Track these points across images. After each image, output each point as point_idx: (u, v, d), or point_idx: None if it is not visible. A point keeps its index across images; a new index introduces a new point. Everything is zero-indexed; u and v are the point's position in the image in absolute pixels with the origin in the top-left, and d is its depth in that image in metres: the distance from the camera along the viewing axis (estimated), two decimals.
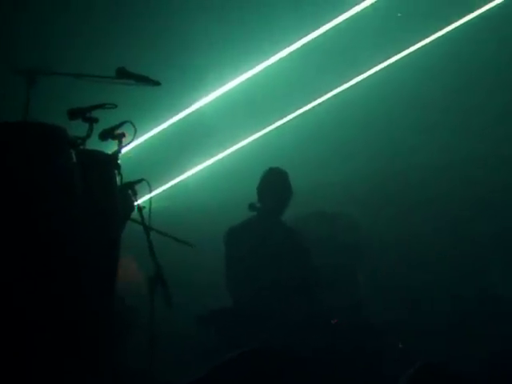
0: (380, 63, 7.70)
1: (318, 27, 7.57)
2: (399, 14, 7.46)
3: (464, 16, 7.52)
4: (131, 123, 4.50)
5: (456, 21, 7.54)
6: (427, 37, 7.61)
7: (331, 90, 7.78)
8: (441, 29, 7.58)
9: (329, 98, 7.78)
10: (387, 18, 7.50)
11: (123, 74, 4.71)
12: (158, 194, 7.49)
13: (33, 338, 3.67)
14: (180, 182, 7.93)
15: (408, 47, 7.65)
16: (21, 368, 3.61)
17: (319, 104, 7.81)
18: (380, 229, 7.26)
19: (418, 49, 7.64)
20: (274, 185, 6.09)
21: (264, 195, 6.09)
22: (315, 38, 7.58)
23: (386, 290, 6.74)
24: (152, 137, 7.67)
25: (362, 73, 7.74)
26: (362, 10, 7.51)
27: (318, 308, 5.89)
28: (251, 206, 6.11)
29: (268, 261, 5.86)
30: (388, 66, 7.68)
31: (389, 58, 7.69)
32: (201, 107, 7.75)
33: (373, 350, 5.75)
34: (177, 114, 7.74)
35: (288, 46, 7.65)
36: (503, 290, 6.71)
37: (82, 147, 4.07)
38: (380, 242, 7.17)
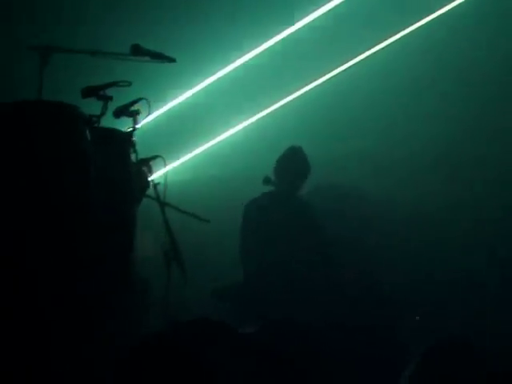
0: (385, 40, 7.71)
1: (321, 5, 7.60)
2: None
3: None
4: (146, 100, 4.50)
5: None
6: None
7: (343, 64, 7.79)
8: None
9: (348, 68, 7.80)
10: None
11: (138, 51, 4.69)
12: (172, 169, 7.48)
13: (48, 314, 3.71)
14: (194, 155, 7.93)
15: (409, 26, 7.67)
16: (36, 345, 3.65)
17: (335, 76, 7.81)
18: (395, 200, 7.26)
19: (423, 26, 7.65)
20: (295, 164, 6.19)
21: (284, 173, 6.16)
22: (321, 15, 7.60)
23: (399, 261, 6.73)
24: (166, 112, 7.67)
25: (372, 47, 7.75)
26: None
27: (332, 282, 5.92)
28: (266, 180, 6.14)
29: (283, 236, 5.91)
30: (394, 42, 7.69)
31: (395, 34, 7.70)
32: (213, 82, 7.73)
33: (389, 322, 5.77)
34: (189, 89, 7.74)
35: (297, 22, 7.66)
36: None
37: (96, 125, 4.07)
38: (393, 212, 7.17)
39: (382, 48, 7.72)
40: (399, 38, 7.66)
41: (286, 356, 4.31)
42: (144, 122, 4.62)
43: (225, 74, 7.71)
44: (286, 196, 6.17)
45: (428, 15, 7.63)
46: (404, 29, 7.64)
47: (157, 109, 7.42)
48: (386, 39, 7.69)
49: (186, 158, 7.88)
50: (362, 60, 7.74)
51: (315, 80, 7.84)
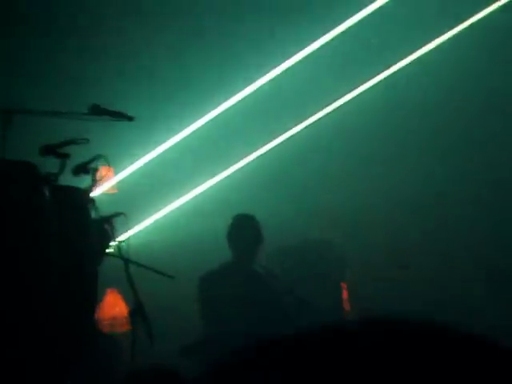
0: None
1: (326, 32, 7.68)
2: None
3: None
4: (104, 157, 4.52)
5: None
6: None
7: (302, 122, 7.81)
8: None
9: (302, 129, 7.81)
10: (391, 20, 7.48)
11: (97, 111, 4.73)
12: (138, 231, 7.48)
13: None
14: (158, 219, 7.90)
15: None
16: None
17: (298, 132, 7.82)
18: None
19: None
20: (241, 234, 6.02)
21: (231, 244, 6.03)
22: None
23: None
24: (131, 173, 7.68)
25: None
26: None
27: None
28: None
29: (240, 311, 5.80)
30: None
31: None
32: (174, 144, 7.76)
33: None
34: (152, 150, 7.76)
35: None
36: None
37: (54, 183, 4.09)
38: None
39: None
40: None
41: None
42: (106, 180, 4.66)
43: (184, 137, 7.72)
44: (241, 268, 6.04)
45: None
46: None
47: (119, 168, 7.44)
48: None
49: (150, 220, 7.85)
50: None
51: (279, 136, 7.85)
